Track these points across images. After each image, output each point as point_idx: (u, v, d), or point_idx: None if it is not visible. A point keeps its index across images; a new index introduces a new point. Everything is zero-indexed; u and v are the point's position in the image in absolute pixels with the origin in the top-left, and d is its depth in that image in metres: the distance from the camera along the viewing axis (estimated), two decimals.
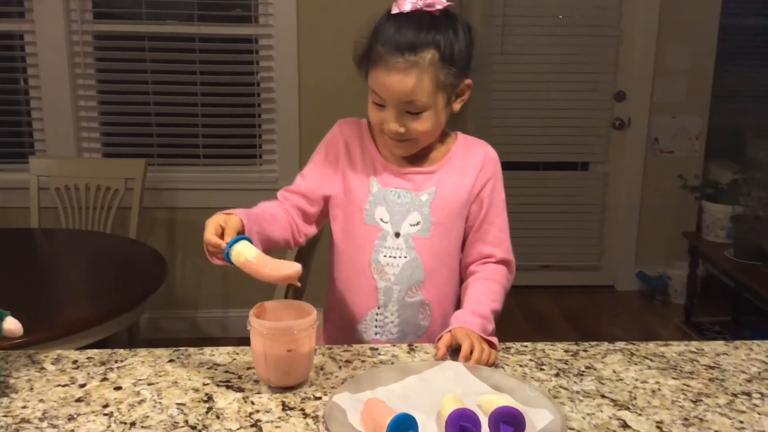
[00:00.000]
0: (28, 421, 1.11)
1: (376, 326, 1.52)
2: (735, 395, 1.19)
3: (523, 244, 4.34)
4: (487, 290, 1.47)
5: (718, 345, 1.38)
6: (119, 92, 3.64)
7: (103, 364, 1.30)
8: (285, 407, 1.16)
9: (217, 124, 3.69)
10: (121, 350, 1.35)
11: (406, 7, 1.36)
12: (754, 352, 1.36)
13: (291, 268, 1.21)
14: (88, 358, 1.33)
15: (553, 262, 4.44)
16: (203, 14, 3.56)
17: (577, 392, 1.20)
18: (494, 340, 1.34)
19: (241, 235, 1.27)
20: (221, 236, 1.27)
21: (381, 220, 1.49)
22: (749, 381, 1.24)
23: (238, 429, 1.09)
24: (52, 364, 1.30)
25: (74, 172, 3.22)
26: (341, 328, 1.57)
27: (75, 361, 1.31)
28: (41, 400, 1.17)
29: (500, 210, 1.54)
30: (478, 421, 1.04)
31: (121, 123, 3.67)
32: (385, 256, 1.49)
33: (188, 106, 3.64)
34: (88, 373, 1.27)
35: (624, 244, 4.42)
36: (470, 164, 1.51)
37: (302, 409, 1.15)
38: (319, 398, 1.19)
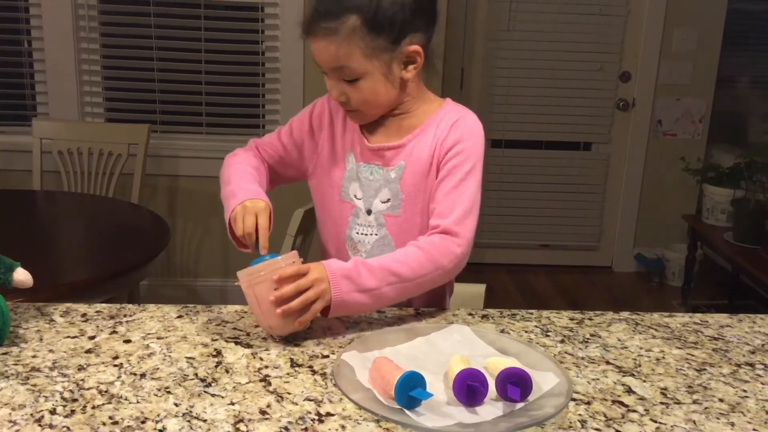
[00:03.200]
0: (38, 370, 1.12)
1: None
2: (738, 365, 1.20)
3: (521, 223, 4.39)
4: (399, 252, 1.32)
5: (722, 317, 1.39)
6: (123, 57, 3.62)
7: (112, 317, 1.31)
8: (293, 364, 1.17)
9: (221, 93, 3.67)
10: (130, 305, 1.36)
11: None
12: (757, 325, 1.37)
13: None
14: (97, 311, 1.33)
15: (552, 242, 4.45)
16: None
17: (582, 358, 1.21)
18: (345, 295, 1.23)
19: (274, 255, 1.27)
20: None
21: (355, 196, 1.46)
22: (753, 353, 1.25)
23: (247, 383, 1.10)
24: (61, 316, 1.31)
25: (77, 135, 3.21)
26: None
27: (84, 315, 1.32)
28: (51, 351, 1.18)
29: (458, 180, 1.37)
30: (486, 380, 1.05)
31: (124, 88, 3.65)
32: (357, 233, 1.47)
33: (192, 74, 3.62)
34: (98, 326, 1.27)
35: (623, 225, 4.43)
36: (439, 134, 1.41)
37: (310, 366, 1.16)
38: (327, 356, 1.20)
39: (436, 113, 1.45)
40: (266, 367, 1.16)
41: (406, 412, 1.02)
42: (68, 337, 1.23)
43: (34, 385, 1.08)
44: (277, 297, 1.19)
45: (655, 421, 1.03)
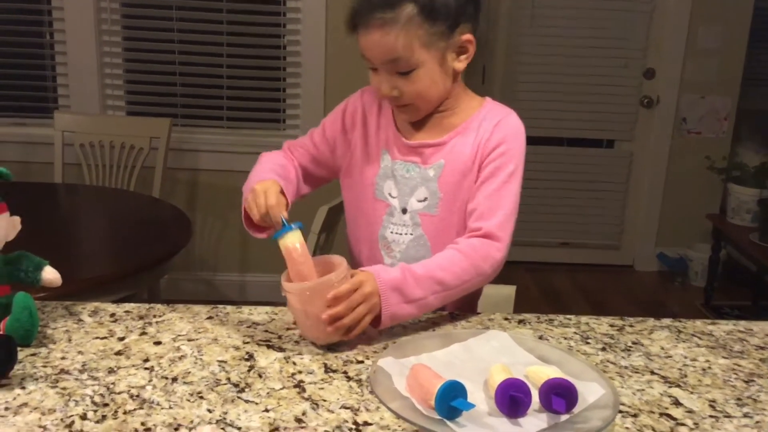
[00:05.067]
0: (67, 372, 1.09)
1: None
2: None
3: (542, 221, 4.34)
4: (443, 258, 1.30)
5: (766, 325, 1.35)
6: (145, 50, 3.59)
7: (141, 318, 1.29)
8: (327, 369, 1.14)
9: (242, 87, 3.65)
10: (159, 305, 1.34)
11: None
12: None
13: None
14: (126, 311, 1.31)
15: (573, 240, 4.41)
16: None
17: (626, 367, 1.17)
18: (394, 307, 1.21)
19: (298, 223, 1.24)
20: None
21: (389, 195, 1.43)
22: None
23: (281, 389, 1.08)
24: (90, 316, 1.29)
25: (99, 128, 3.19)
26: None
27: (113, 314, 1.30)
28: (80, 352, 1.16)
29: (501, 182, 1.35)
30: (529, 391, 1.01)
31: (145, 81, 3.63)
32: (391, 232, 1.43)
33: (214, 68, 3.60)
34: (127, 327, 1.25)
35: (645, 223, 4.38)
36: (481, 131, 1.38)
37: (345, 372, 1.13)
38: (362, 362, 1.17)
39: (477, 112, 1.41)
40: (300, 372, 1.13)
41: (447, 423, 0.98)
42: (97, 338, 1.21)
43: (64, 389, 1.05)
44: (331, 315, 1.16)
45: None
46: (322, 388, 1.08)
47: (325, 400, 1.05)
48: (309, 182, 1.50)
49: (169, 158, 3.25)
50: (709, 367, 1.18)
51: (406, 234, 1.42)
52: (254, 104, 3.68)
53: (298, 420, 1.00)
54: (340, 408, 1.03)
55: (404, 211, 1.42)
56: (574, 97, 4.18)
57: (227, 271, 3.84)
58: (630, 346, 1.25)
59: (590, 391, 1.05)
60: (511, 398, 1.01)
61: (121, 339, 1.21)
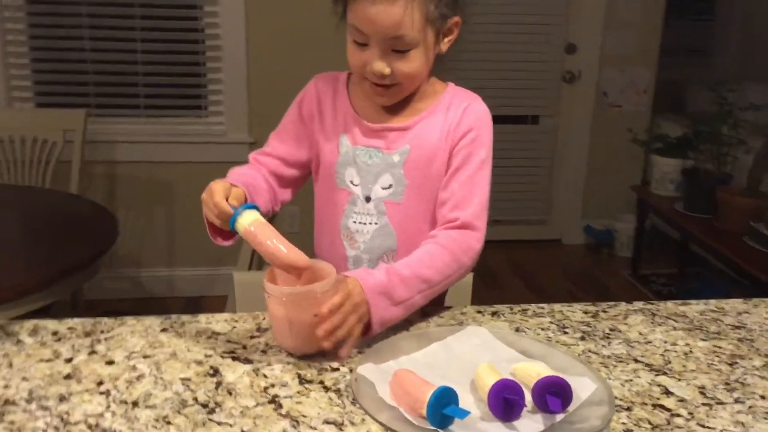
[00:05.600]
0: (13, 403, 0.98)
1: None
2: None
3: None
4: (425, 254, 1.25)
5: (737, 303, 1.34)
6: (52, 37, 3.37)
7: (87, 335, 1.17)
8: (302, 380, 1.06)
9: (159, 73, 3.48)
10: (106, 319, 1.22)
11: None
12: None
13: (302, 258, 1.10)
14: (69, 328, 1.19)
15: (503, 217, 4.41)
16: None
17: (608, 357, 1.14)
18: (383, 312, 1.15)
19: (249, 203, 1.15)
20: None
21: (351, 182, 1.36)
22: None
23: (255, 406, 0.99)
24: (30, 336, 1.17)
25: (7, 123, 2.98)
26: None
27: (55, 332, 1.18)
28: (24, 378, 1.04)
29: (475, 170, 1.31)
30: (522, 392, 0.97)
31: (55, 70, 3.41)
32: (354, 222, 1.36)
33: (127, 53, 3.41)
34: (73, 346, 1.14)
35: (571, 197, 4.43)
36: (449, 117, 1.33)
37: (321, 382, 1.06)
38: (337, 369, 1.09)
39: (442, 96, 1.37)
40: (272, 385, 1.05)
41: None
42: (42, 360, 1.09)
43: (12, 423, 0.94)
44: (326, 331, 1.08)
45: (703, 426, 0.96)
46: (299, 402, 1.00)
47: (305, 416, 0.97)
48: (286, 186, 1.41)
49: (84, 151, 3.06)
50: (691, 351, 1.16)
51: (370, 223, 1.35)
52: (173, 91, 3.52)
53: None
54: (323, 424, 0.96)
55: (368, 199, 1.35)
56: (497, 74, 4.17)
57: (153, 266, 3.68)
58: (608, 334, 1.22)
59: (582, 387, 1.01)
60: (505, 401, 0.96)
61: (69, 360, 1.09)
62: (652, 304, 1.33)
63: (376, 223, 1.35)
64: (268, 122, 3.45)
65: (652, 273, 4.12)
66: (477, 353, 1.11)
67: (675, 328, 1.24)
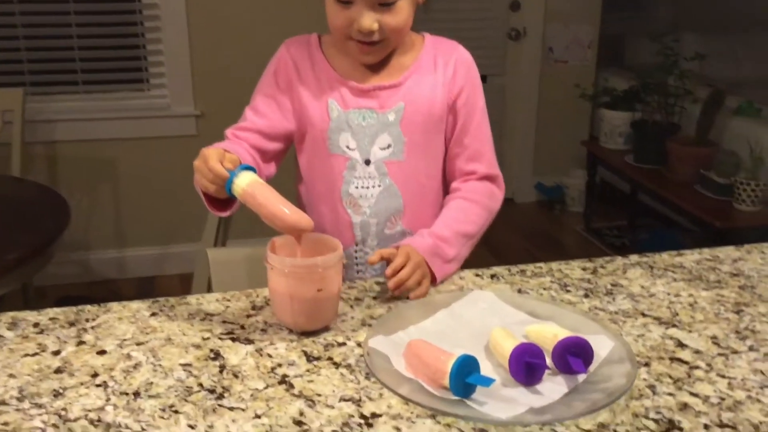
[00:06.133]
0: (4, 403, 0.91)
1: (357, 264, 1.37)
2: None
3: None
4: (458, 211, 1.33)
5: (730, 250, 1.35)
6: None
7: (72, 324, 1.10)
8: (309, 357, 1.02)
9: (96, 46, 3.32)
10: (89, 306, 1.15)
11: None
12: (767, 254, 1.33)
13: (305, 219, 1.05)
14: (51, 318, 1.12)
15: None
16: None
17: (616, 312, 1.13)
18: (440, 269, 1.24)
19: (245, 164, 1.09)
20: None
21: (347, 147, 1.32)
22: None
23: (265, 388, 0.94)
24: (9, 329, 1.09)
25: None
26: None
27: (36, 324, 1.10)
28: (12, 375, 0.97)
29: (479, 120, 1.37)
30: (543, 355, 0.94)
31: None
32: (356, 187, 1.33)
33: (61, 27, 3.24)
34: (59, 338, 1.06)
35: (522, 156, 4.43)
36: (440, 70, 1.33)
37: (330, 358, 1.01)
38: (343, 344, 1.05)
39: (423, 48, 1.35)
40: (279, 365, 1.00)
41: (468, 402, 0.90)
42: (27, 355, 1.02)
43: (6, 424, 0.87)
44: (396, 284, 1.17)
45: (723, 376, 0.96)
46: (311, 381, 0.96)
47: (319, 395, 0.93)
48: (269, 160, 1.34)
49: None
50: (696, 302, 1.16)
51: (373, 186, 1.32)
52: (111, 65, 3.37)
53: (298, 423, 0.88)
54: (340, 401, 0.92)
55: (367, 162, 1.31)
56: (443, 34, 4.08)
57: (102, 248, 3.54)
58: (611, 289, 1.20)
59: (601, 345, 0.99)
60: (527, 365, 0.93)
61: (57, 353, 1.02)
62: (648, 256, 1.32)
63: (379, 185, 1.32)
64: (214, 93, 3.41)
65: (604, 226, 4.18)
66: (486, 317, 1.08)
67: (675, 280, 1.23)
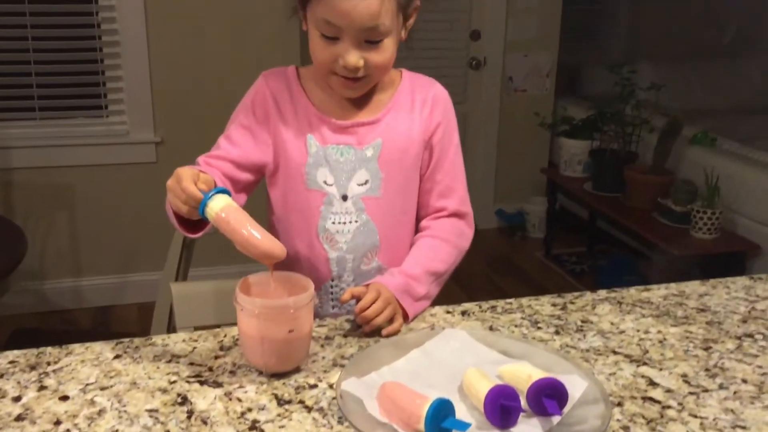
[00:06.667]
0: None
1: (332, 299, 1.35)
2: (739, 338, 1.17)
3: None
4: (428, 250, 1.33)
5: (695, 285, 1.36)
6: None
7: (32, 368, 1.07)
8: (280, 401, 0.99)
9: (54, 72, 3.26)
10: (50, 348, 1.12)
11: None
12: (732, 290, 1.35)
13: (278, 246, 1.03)
14: (10, 362, 1.08)
15: None
16: None
17: (587, 350, 1.13)
18: (411, 307, 1.23)
19: (220, 187, 1.07)
20: None
21: (325, 182, 1.31)
22: (744, 321, 1.23)
23: None
24: None
25: None
26: None
27: None
28: None
29: (452, 156, 1.37)
30: (518, 397, 0.94)
31: None
32: (333, 222, 1.31)
33: (19, 53, 3.18)
34: (19, 382, 1.03)
35: (483, 183, 4.46)
36: (418, 107, 1.33)
37: (301, 401, 0.99)
38: (315, 386, 1.03)
39: (401, 85, 1.35)
40: (249, 410, 0.98)
41: None
42: None
43: None
44: (365, 318, 1.17)
45: (695, 416, 0.96)
46: (282, 427, 0.94)
47: None
48: (240, 190, 1.31)
49: None
50: (665, 339, 1.17)
51: (350, 222, 1.31)
52: (70, 91, 3.31)
53: None
54: None
55: (345, 197, 1.30)
56: (404, 63, 4.07)
57: (57, 277, 3.46)
58: (581, 326, 1.20)
59: (574, 386, 0.99)
60: (502, 408, 0.93)
61: (17, 399, 0.99)
62: (616, 291, 1.33)
63: (356, 221, 1.31)
64: (175, 119, 3.37)
65: (564, 252, 4.22)
66: (459, 357, 1.07)
67: (644, 316, 1.24)
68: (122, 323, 3.33)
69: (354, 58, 1.20)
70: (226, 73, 3.35)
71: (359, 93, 1.29)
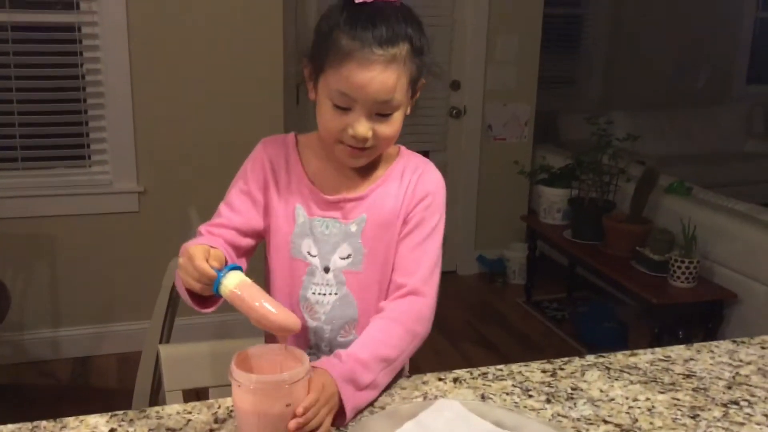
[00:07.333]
0: None
1: None
2: (725, 405, 1.20)
3: None
4: (380, 332, 1.25)
5: (681, 350, 1.39)
6: None
7: None
8: None
9: (38, 123, 3.28)
10: (45, 422, 1.11)
11: None
12: (716, 354, 1.38)
13: (293, 319, 1.05)
14: None
15: None
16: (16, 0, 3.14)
17: (578, 419, 1.15)
18: (351, 399, 1.14)
19: (233, 264, 1.08)
20: None
21: (308, 253, 1.32)
22: (729, 388, 1.26)
23: None
24: None
25: None
26: None
27: None
28: None
29: (425, 235, 1.32)
30: None
31: None
32: (314, 293, 1.32)
33: (2, 103, 3.19)
34: None
35: (464, 229, 4.51)
36: (405, 183, 1.33)
37: None
38: None
39: (396, 161, 1.34)
40: None
41: None
42: None
43: None
44: (299, 425, 1.04)
45: None
46: None
47: None
48: (241, 255, 1.33)
49: None
50: (653, 406, 1.19)
51: (330, 294, 1.31)
52: (53, 141, 3.32)
53: None
54: None
55: (326, 269, 1.31)
56: None
57: (36, 328, 3.42)
58: (571, 394, 1.22)
59: None
60: None
61: None
62: (604, 357, 1.35)
63: (336, 294, 1.31)
64: (158, 169, 3.38)
65: (544, 299, 4.25)
66: (453, 429, 1.09)
67: (632, 382, 1.26)
68: (101, 375, 3.30)
69: (364, 128, 1.21)
70: (209, 125, 3.38)
71: (363, 162, 1.29)
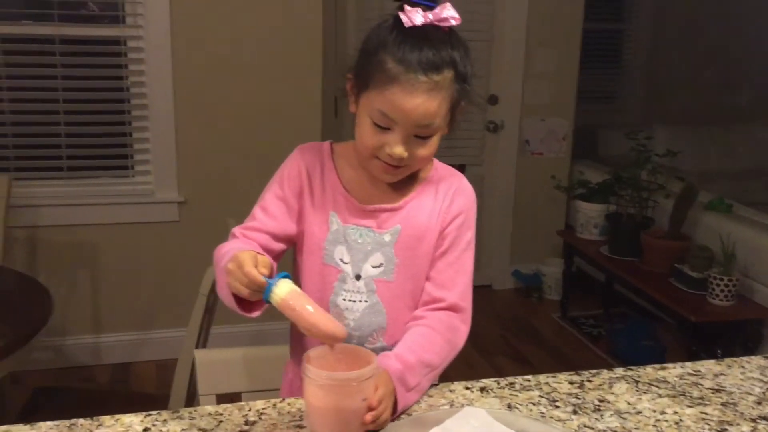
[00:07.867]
0: None
1: None
2: (754, 420, 1.19)
3: None
4: (422, 338, 1.29)
5: (711, 365, 1.38)
6: None
7: None
8: None
9: (83, 134, 3.37)
10: (82, 420, 1.15)
11: (418, 20, 1.20)
12: (747, 370, 1.37)
13: (340, 328, 1.10)
14: None
15: None
16: (64, 14, 3.23)
17: (604, 431, 1.15)
18: (403, 398, 1.20)
19: (283, 273, 1.12)
20: None
21: (341, 260, 1.34)
22: (759, 403, 1.25)
23: None
24: None
25: None
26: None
27: None
28: None
29: (462, 250, 1.35)
30: None
31: None
32: (344, 299, 1.34)
33: (49, 114, 3.29)
34: None
35: (499, 243, 4.51)
36: (440, 198, 1.35)
37: None
38: None
39: (430, 174, 1.36)
40: None
41: None
42: None
43: None
44: (375, 416, 1.11)
45: None
46: None
47: None
48: (274, 259, 1.35)
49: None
50: (681, 420, 1.19)
51: (360, 301, 1.33)
52: (97, 151, 3.41)
53: None
54: None
55: (358, 277, 1.33)
56: None
57: (78, 333, 3.51)
58: (598, 405, 1.23)
59: None
60: None
61: None
62: (632, 370, 1.35)
63: (366, 301, 1.33)
64: (198, 179, 3.45)
65: (580, 315, 4.22)
66: None
67: (660, 396, 1.26)
68: (140, 381, 3.37)
69: (400, 149, 1.23)
70: (248, 137, 3.44)
71: (397, 179, 1.31)
